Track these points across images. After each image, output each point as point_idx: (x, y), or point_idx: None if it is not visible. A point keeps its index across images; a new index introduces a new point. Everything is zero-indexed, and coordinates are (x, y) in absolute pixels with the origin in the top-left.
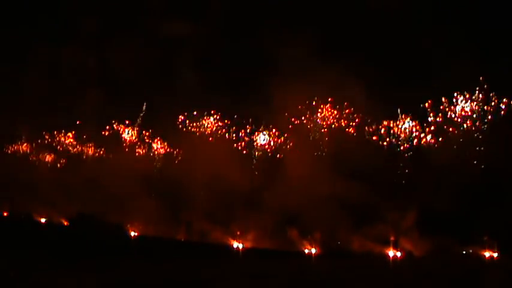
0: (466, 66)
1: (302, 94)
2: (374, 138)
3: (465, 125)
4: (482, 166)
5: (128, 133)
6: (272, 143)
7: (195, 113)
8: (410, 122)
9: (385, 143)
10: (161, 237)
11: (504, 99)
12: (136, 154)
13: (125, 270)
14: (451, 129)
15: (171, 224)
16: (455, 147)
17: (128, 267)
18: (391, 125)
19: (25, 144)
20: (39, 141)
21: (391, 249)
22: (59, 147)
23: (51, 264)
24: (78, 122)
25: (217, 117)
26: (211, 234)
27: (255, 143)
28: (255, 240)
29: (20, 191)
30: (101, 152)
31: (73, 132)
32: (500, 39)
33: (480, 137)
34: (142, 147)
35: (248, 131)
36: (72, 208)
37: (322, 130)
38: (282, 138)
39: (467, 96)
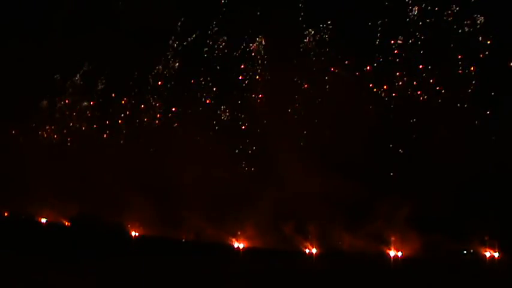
0: None
1: None
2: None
3: None
4: None
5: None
6: None
7: None
8: None
9: None
10: (161, 237)
11: None
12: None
13: (125, 271)
14: None
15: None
16: None
17: (129, 267)
18: None
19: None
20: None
21: (392, 248)
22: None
23: (52, 265)
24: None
25: None
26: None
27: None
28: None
29: (21, 189)
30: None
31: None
32: None
33: None
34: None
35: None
36: (73, 208)
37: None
38: None
39: None
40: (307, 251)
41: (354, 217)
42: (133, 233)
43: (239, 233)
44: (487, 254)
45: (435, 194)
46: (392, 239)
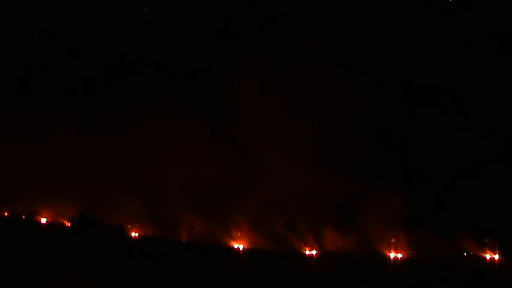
0: None
1: None
2: None
3: None
4: None
5: None
6: None
7: None
8: None
9: None
10: (160, 237)
11: None
12: None
13: (125, 271)
14: None
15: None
16: None
17: (129, 267)
18: None
19: None
20: None
21: (392, 250)
22: None
23: (52, 265)
24: None
25: None
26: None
27: None
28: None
29: (21, 188)
30: None
31: None
32: None
33: None
34: None
35: None
36: (73, 208)
37: None
38: None
39: None
40: (302, 251)
41: (350, 218)
42: (133, 234)
43: (233, 233)
44: (487, 256)
45: (432, 195)
46: (393, 240)
